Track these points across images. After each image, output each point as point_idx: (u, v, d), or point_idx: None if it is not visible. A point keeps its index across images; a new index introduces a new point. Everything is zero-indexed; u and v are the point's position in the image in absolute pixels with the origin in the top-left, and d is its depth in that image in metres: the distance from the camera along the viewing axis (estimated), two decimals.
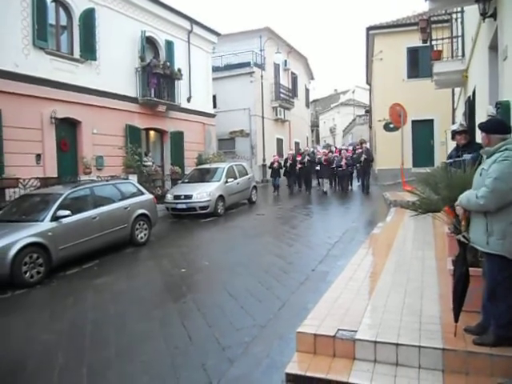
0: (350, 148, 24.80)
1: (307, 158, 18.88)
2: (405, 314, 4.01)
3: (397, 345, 3.39)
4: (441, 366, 3.25)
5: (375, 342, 3.47)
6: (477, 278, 3.49)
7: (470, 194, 3.32)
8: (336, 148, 24.18)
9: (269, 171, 20.61)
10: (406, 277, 5.29)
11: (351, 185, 18.95)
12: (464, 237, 3.46)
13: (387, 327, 3.72)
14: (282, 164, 19.66)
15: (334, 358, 3.56)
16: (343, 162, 17.58)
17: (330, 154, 20.18)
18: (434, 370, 3.24)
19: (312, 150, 22.18)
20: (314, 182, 19.49)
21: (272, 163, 19.34)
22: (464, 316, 3.51)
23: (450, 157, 6.45)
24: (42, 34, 11.82)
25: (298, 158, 19.24)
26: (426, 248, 6.92)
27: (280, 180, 19.05)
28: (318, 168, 18.17)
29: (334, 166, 18.16)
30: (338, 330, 3.72)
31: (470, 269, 3.47)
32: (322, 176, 18.04)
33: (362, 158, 17.16)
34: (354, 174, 19.31)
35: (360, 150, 18.15)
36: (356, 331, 3.67)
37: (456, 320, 3.44)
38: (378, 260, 6.38)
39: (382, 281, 5.19)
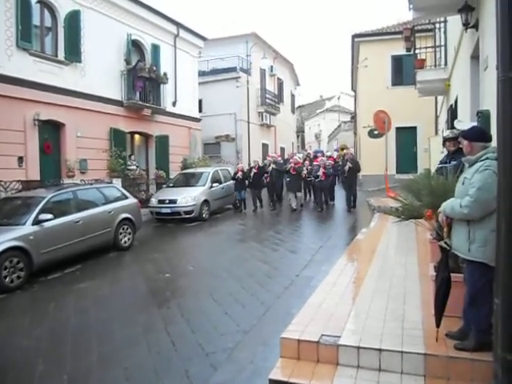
0: (335, 154, 24.34)
1: (273, 166, 15.42)
2: (388, 320, 4.05)
3: (380, 350, 3.42)
4: (422, 371, 3.28)
5: (358, 348, 3.49)
6: (458, 283, 3.54)
7: (453, 202, 3.37)
8: (315, 155, 20.01)
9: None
10: (389, 282, 5.34)
11: (333, 199, 15.85)
12: (446, 243, 3.51)
13: (370, 332, 3.75)
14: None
15: (317, 364, 3.57)
16: (321, 172, 14.19)
17: (307, 162, 17.46)
18: (415, 375, 3.28)
19: (280, 158, 18.44)
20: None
21: (235, 173, 15.42)
22: (446, 321, 3.55)
23: (440, 163, 6.55)
24: (25, 35, 11.65)
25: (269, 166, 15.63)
26: (409, 254, 7.00)
27: (245, 193, 15.44)
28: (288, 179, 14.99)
29: (311, 176, 15.08)
30: (322, 335, 3.73)
31: (452, 274, 3.52)
32: (289, 189, 14.77)
33: (347, 168, 14.10)
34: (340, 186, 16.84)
35: (346, 157, 15.28)
36: (339, 337, 3.69)
37: (437, 325, 3.49)
38: (362, 265, 6.43)
39: (365, 286, 5.23)
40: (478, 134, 3.46)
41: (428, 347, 3.40)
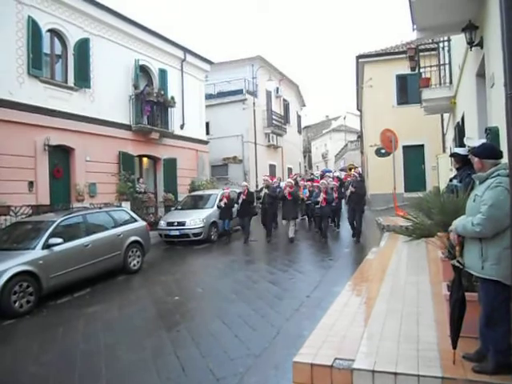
0: (342, 174, 23.69)
1: (265, 191, 13.41)
2: (402, 341, 3.96)
3: (395, 374, 3.33)
4: None
5: (373, 372, 3.40)
6: (473, 303, 3.46)
7: (465, 221, 3.32)
8: (316, 177, 18.66)
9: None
10: (402, 302, 5.25)
11: (337, 226, 14.51)
12: (458, 262, 3.45)
13: (385, 355, 3.67)
14: (237, 200, 13.76)
15: None
16: (321, 197, 12.00)
17: (309, 183, 15.73)
18: None
19: (276, 181, 16.57)
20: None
21: (220, 200, 13.78)
22: (462, 342, 3.46)
23: (450, 180, 6.50)
24: (36, 63, 11.92)
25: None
26: (420, 273, 6.90)
27: (230, 223, 13.56)
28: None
29: (310, 201, 13.46)
30: (335, 359, 3.65)
31: (466, 293, 3.44)
32: (285, 216, 12.70)
33: (348, 192, 12.07)
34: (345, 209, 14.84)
35: (349, 179, 13.45)
36: (353, 360, 3.60)
37: (454, 346, 3.40)
38: (373, 285, 6.33)
39: (377, 306, 5.14)
40: (489, 151, 3.43)
41: (445, 370, 3.31)
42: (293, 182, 13.41)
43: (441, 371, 3.31)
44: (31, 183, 11.67)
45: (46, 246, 7.72)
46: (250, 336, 5.38)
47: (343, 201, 14.59)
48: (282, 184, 15.21)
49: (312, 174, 21.49)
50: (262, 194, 13.41)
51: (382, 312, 4.90)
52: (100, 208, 10.66)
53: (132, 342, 5.62)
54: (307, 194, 14.33)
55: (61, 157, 12.92)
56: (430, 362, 3.48)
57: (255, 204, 14.28)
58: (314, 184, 13.95)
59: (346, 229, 13.57)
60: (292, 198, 12.53)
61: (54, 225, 8.17)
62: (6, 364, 5.20)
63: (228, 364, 4.59)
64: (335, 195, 13.04)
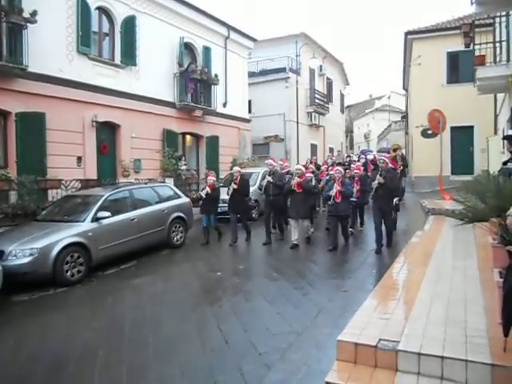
0: (383, 157, 15.61)
1: (269, 179, 10.03)
2: (449, 326, 3.88)
3: (442, 357, 3.27)
4: (489, 382, 3.11)
5: (419, 354, 3.36)
6: None
7: None
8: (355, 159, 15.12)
9: None
10: (448, 287, 5.12)
11: (362, 224, 11.03)
12: None
13: (431, 339, 3.61)
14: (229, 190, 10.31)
15: (375, 369, 3.48)
16: (335, 191, 8.79)
17: (339, 167, 9.72)
18: None
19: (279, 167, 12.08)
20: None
21: (203, 189, 10.82)
22: None
23: (504, 163, 6.24)
24: (85, 41, 12.21)
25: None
26: (468, 258, 6.69)
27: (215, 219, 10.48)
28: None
29: (323, 196, 9.97)
30: (380, 339, 3.63)
31: None
32: (292, 214, 9.57)
33: (374, 185, 8.39)
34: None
35: (381, 165, 8.67)
36: (398, 342, 3.57)
37: (506, 334, 3.29)
38: (418, 269, 6.21)
39: (422, 291, 5.04)
40: None
41: (495, 357, 3.22)
42: (303, 170, 9.72)
43: (490, 358, 3.22)
44: (79, 158, 12.10)
45: (95, 219, 8.03)
46: (292, 313, 5.44)
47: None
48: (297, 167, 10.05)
49: (343, 155, 17.26)
50: (264, 182, 10.11)
51: (427, 296, 4.81)
52: (145, 183, 10.93)
53: (177, 313, 5.82)
54: (321, 185, 10.57)
55: (107, 133, 13.28)
56: (478, 348, 3.39)
57: (250, 197, 11.51)
58: (330, 172, 10.02)
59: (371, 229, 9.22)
60: (303, 190, 9.22)
61: (103, 199, 8.47)
62: (61, 329, 5.52)
63: (270, 339, 4.67)
64: (357, 188, 9.99)
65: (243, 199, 10.41)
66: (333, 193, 8.82)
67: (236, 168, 10.77)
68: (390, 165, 8.99)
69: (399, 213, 10.40)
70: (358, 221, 11.04)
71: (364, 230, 10.84)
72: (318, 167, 13.41)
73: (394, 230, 9.60)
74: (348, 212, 9.25)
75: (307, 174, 9.74)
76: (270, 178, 10.05)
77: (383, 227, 8.61)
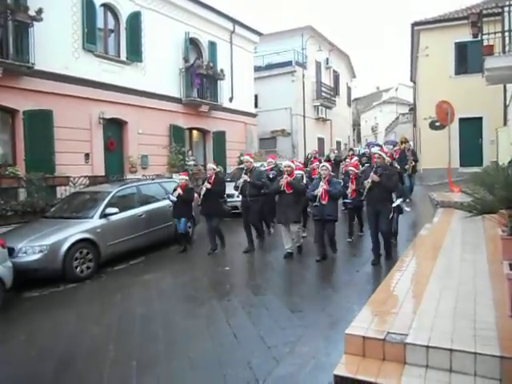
0: (387, 150, 10.75)
1: (244, 177, 8.68)
2: (457, 319, 3.86)
3: (451, 350, 3.26)
4: (498, 375, 3.09)
5: (427, 347, 3.35)
6: None
7: None
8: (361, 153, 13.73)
9: None
10: (457, 280, 5.09)
11: (360, 230, 9.52)
12: None
13: (439, 332, 3.60)
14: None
15: (383, 362, 3.48)
16: (321, 189, 7.44)
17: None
18: (491, 379, 3.10)
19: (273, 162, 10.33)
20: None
21: (174, 190, 9.14)
22: None
23: None
24: (91, 38, 12.24)
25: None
26: (477, 251, 6.65)
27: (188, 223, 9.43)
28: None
29: (307, 195, 7.92)
30: (388, 333, 3.62)
31: None
32: (280, 219, 8.08)
33: (367, 184, 7.00)
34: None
35: (378, 160, 7.20)
36: (406, 335, 3.56)
37: None
38: (427, 262, 6.18)
39: (431, 284, 5.02)
40: None
41: (504, 350, 3.20)
42: (293, 167, 8.18)
43: (500, 350, 3.21)
44: (87, 155, 12.17)
45: (103, 216, 8.09)
46: (300, 307, 5.44)
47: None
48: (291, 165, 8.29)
49: (346, 149, 16.47)
50: (240, 182, 8.72)
51: (436, 289, 4.79)
52: (152, 179, 10.96)
53: (186, 308, 5.86)
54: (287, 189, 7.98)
55: (114, 129, 13.33)
56: (488, 340, 3.38)
57: (226, 199, 10.21)
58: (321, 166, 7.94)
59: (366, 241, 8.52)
60: (293, 190, 7.78)
61: (110, 195, 8.53)
62: (71, 324, 5.57)
63: (279, 333, 4.68)
64: (352, 187, 8.44)
65: (218, 200, 9.04)
66: (318, 192, 7.41)
67: (210, 165, 9.31)
68: (388, 159, 7.66)
69: (402, 215, 8.46)
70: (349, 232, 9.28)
71: (363, 237, 9.27)
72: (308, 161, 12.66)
73: (394, 239, 8.11)
74: (335, 216, 7.65)
75: (297, 172, 8.17)
76: (246, 177, 8.65)
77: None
